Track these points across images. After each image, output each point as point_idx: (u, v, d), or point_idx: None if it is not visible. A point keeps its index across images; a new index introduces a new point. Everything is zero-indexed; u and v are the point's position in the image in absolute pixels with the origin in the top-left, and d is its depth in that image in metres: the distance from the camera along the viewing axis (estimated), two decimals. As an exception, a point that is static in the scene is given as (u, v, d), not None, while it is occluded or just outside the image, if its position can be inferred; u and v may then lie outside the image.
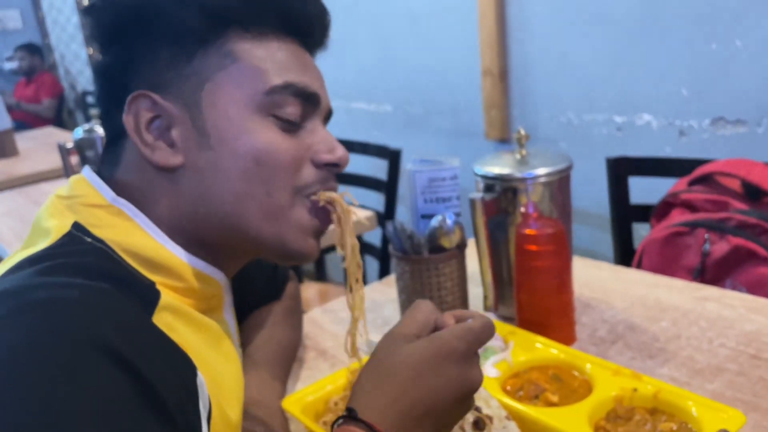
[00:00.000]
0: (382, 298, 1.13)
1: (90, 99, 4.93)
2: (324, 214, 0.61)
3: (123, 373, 0.42)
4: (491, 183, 0.94)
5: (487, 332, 0.54)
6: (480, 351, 0.84)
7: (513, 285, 0.94)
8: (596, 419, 0.70)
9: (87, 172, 0.59)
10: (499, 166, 0.94)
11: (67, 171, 1.92)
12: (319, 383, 0.79)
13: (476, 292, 1.04)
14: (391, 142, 1.97)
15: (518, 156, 0.96)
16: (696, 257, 1.22)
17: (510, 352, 0.83)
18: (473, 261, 1.01)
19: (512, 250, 0.94)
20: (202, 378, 0.51)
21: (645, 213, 1.46)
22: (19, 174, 2.45)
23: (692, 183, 1.33)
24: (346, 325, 0.65)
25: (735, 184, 1.27)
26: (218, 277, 0.60)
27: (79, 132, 1.82)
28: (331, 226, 0.63)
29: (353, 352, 0.66)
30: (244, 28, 0.58)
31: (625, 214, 1.53)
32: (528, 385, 0.78)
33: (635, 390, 0.72)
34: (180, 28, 0.56)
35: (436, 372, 0.50)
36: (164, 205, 0.57)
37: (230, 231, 0.58)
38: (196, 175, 0.56)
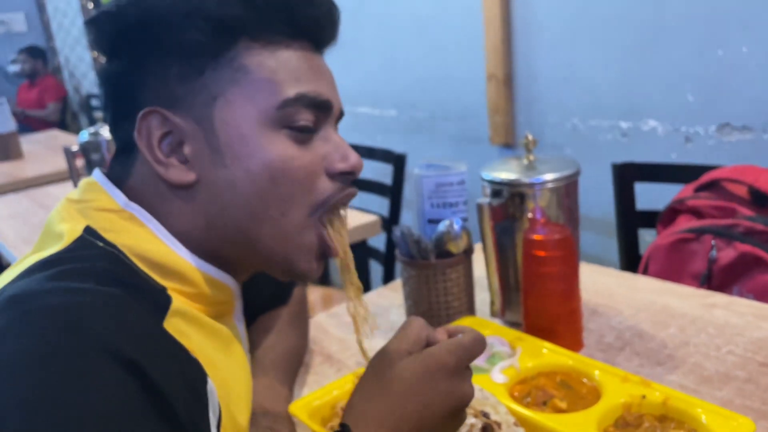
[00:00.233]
0: (388, 303, 1.13)
1: (94, 102, 4.94)
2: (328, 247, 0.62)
3: (133, 379, 0.42)
4: (498, 188, 0.94)
5: (478, 347, 0.55)
6: (487, 357, 0.84)
7: (520, 290, 0.94)
8: (605, 426, 0.70)
9: (98, 175, 0.59)
10: (507, 172, 0.94)
11: (73, 174, 1.93)
12: (326, 388, 0.79)
13: (483, 297, 1.03)
14: (396, 147, 1.97)
15: (525, 161, 0.95)
16: (702, 264, 1.21)
17: (517, 358, 0.83)
18: (480, 266, 1.00)
19: (519, 256, 0.94)
20: (212, 384, 0.51)
21: (651, 219, 1.46)
22: (23, 177, 2.45)
23: (699, 189, 1.32)
24: (351, 329, 0.65)
25: (742, 191, 1.27)
26: (229, 282, 0.60)
27: (85, 135, 1.82)
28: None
29: (364, 356, 0.65)
30: (252, 37, 0.56)
31: (630, 220, 1.52)
32: (536, 391, 0.78)
33: (644, 397, 0.72)
34: (187, 42, 0.55)
35: (427, 387, 0.51)
36: (177, 217, 0.56)
37: (242, 246, 0.58)
38: (211, 192, 0.56)
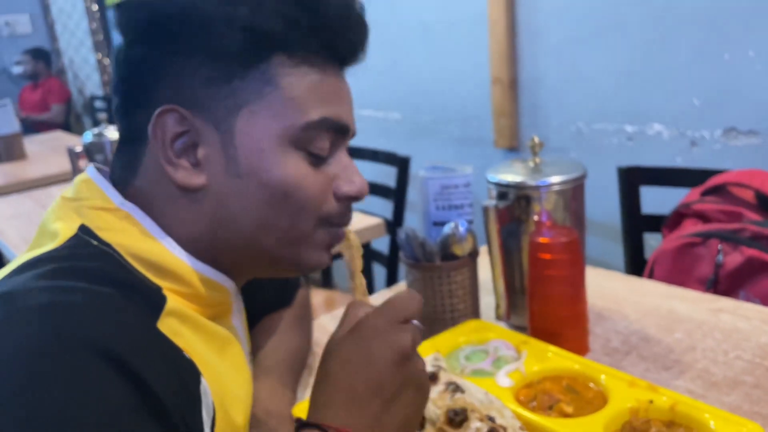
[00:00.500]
0: (392, 305, 1.12)
1: (98, 104, 4.95)
2: (338, 233, 0.62)
3: (124, 378, 0.41)
4: (504, 191, 0.93)
5: (408, 302, 0.54)
6: (492, 360, 0.84)
7: (525, 294, 0.93)
8: (612, 431, 0.69)
9: (92, 172, 0.58)
10: (513, 174, 0.93)
11: (76, 175, 1.93)
12: (330, 391, 0.78)
13: (488, 300, 1.03)
14: (400, 150, 1.96)
15: (531, 164, 0.95)
16: (709, 268, 1.20)
17: (523, 361, 0.82)
18: (485, 269, 1.00)
19: (525, 259, 0.93)
20: (206, 384, 0.51)
21: (656, 223, 1.45)
22: (27, 177, 2.46)
23: (705, 193, 1.32)
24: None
25: (748, 195, 1.26)
26: (226, 283, 0.59)
27: (89, 136, 1.82)
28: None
29: None
30: (288, 55, 0.55)
31: (636, 224, 1.52)
32: (542, 395, 0.77)
33: (651, 402, 0.71)
34: (222, 48, 0.53)
35: (360, 351, 0.51)
36: (180, 219, 0.56)
37: (247, 252, 0.58)
38: (220, 199, 0.55)
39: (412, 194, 2.02)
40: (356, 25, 0.60)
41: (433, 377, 0.74)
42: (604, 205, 1.71)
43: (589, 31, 1.79)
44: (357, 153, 2.07)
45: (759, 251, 1.14)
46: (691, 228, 1.28)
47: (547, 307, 0.89)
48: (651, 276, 1.28)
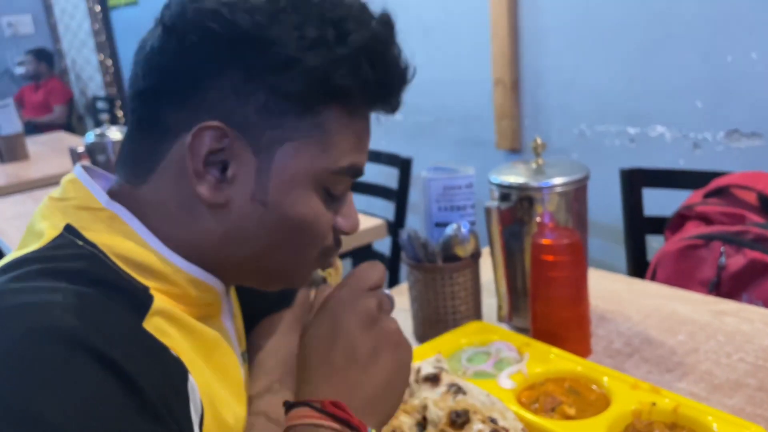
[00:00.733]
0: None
1: (100, 105, 4.96)
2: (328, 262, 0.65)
3: (109, 374, 0.41)
4: (507, 192, 0.93)
5: (370, 271, 0.58)
6: (494, 362, 0.83)
7: (528, 295, 0.93)
8: (615, 433, 0.69)
9: (79, 172, 0.57)
10: (515, 175, 0.93)
11: (78, 175, 1.92)
12: (332, 392, 0.78)
13: (490, 302, 1.02)
14: (401, 151, 1.96)
15: (534, 165, 0.95)
16: (711, 270, 1.20)
17: (525, 363, 0.82)
18: (488, 270, 1.00)
19: (527, 260, 0.93)
20: (194, 382, 0.51)
21: (659, 225, 1.45)
22: (29, 178, 2.46)
23: (707, 195, 1.31)
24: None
25: (751, 197, 1.26)
26: (215, 284, 0.59)
27: (91, 136, 1.82)
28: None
29: None
30: (344, 105, 0.56)
31: (638, 226, 1.51)
32: (544, 397, 0.77)
33: (654, 404, 0.71)
34: (289, 87, 0.52)
35: (330, 323, 0.55)
36: (186, 228, 0.55)
37: (246, 268, 0.59)
38: (237, 220, 0.55)
39: (414, 195, 2.02)
40: (406, 84, 0.60)
41: (435, 379, 0.74)
42: (606, 206, 1.71)
43: (591, 33, 1.79)
44: (359, 154, 2.07)
45: (762, 253, 1.13)
46: (693, 230, 1.27)
47: (550, 308, 0.89)
48: (653, 278, 1.28)
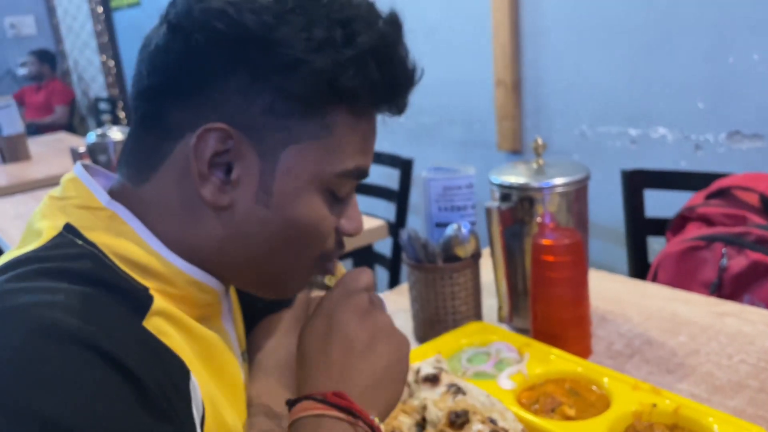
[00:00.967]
0: (394, 307, 1.12)
1: (102, 105, 4.96)
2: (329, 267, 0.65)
3: (113, 371, 0.41)
4: (507, 192, 0.93)
5: (357, 275, 0.60)
6: (494, 363, 0.83)
7: (528, 296, 0.93)
8: (615, 434, 0.69)
9: (79, 171, 0.56)
10: (516, 176, 0.93)
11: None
12: (331, 392, 0.78)
13: (491, 302, 1.02)
14: (402, 152, 1.96)
15: (535, 165, 0.94)
16: (713, 272, 1.20)
17: (525, 364, 0.82)
18: (488, 271, 0.99)
19: (528, 261, 0.93)
20: (195, 381, 0.51)
21: (660, 226, 1.45)
22: (31, 178, 2.46)
23: (709, 197, 1.31)
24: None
25: (753, 199, 1.25)
26: (215, 285, 0.59)
27: (92, 136, 1.82)
28: None
29: None
30: (350, 107, 0.55)
31: (640, 227, 1.51)
32: (544, 398, 0.77)
33: (655, 405, 0.71)
34: (295, 88, 0.52)
35: (324, 321, 0.57)
36: (188, 229, 0.55)
37: (245, 270, 0.58)
38: (240, 222, 0.55)
39: (415, 196, 2.02)
40: (414, 84, 0.60)
41: (435, 379, 0.74)
42: (607, 207, 1.70)
43: (593, 34, 1.79)
44: (360, 155, 2.07)
45: (763, 255, 1.13)
46: (695, 231, 1.27)
47: (550, 309, 0.89)
48: (655, 279, 1.28)
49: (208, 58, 0.52)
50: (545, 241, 0.87)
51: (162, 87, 0.54)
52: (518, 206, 0.92)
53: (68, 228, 0.52)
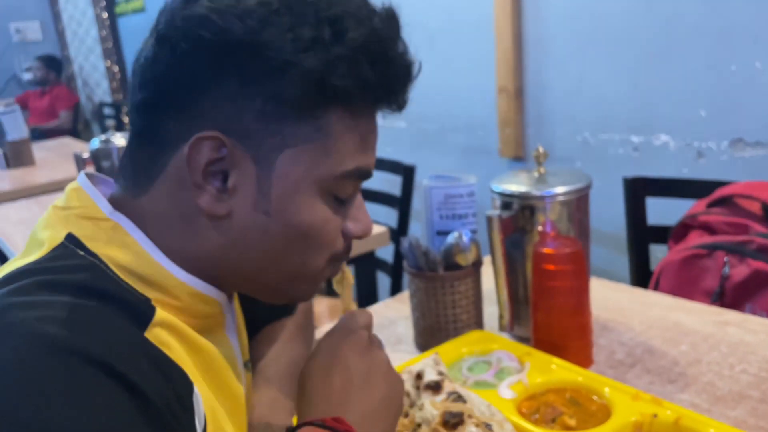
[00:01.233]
0: (395, 315, 1.12)
1: (107, 111, 4.98)
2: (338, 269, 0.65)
3: (116, 384, 0.41)
4: (508, 201, 0.93)
5: (357, 315, 0.62)
6: (495, 372, 0.83)
7: (529, 305, 0.92)
8: (615, 445, 0.69)
9: (83, 181, 0.56)
10: (517, 184, 0.93)
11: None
12: (331, 400, 0.78)
13: (491, 311, 1.02)
14: (405, 159, 1.96)
15: (536, 174, 0.94)
16: (715, 280, 1.19)
17: (526, 373, 0.82)
18: (489, 279, 0.99)
19: (529, 269, 0.93)
20: (198, 394, 0.50)
21: (662, 234, 1.45)
22: (35, 183, 2.47)
23: (711, 205, 1.31)
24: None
25: (755, 207, 1.25)
26: (217, 296, 0.58)
27: (96, 142, 1.83)
28: None
29: None
30: (345, 107, 0.54)
31: (642, 235, 1.51)
32: (544, 407, 0.77)
33: (655, 416, 0.71)
34: (286, 92, 0.51)
35: (326, 355, 0.59)
36: (188, 239, 0.54)
37: (248, 278, 0.58)
38: (240, 230, 0.54)
39: (417, 203, 2.02)
40: (412, 81, 0.59)
41: (437, 386, 0.73)
42: (609, 215, 1.70)
43: (595, 41, 1.79)
44: (362, 161, 2.07)
45: (765, 264, 1.13)
46: (697, 240, 1.27)
47: (551, 318, 0.88)
48: (656, 288, 1.28)
49: (196, 67, 0.52)
50: (546, 250, 0.87)
51: (153, 100, 0.54)
52: (519, 215, 0.92)
53: (70, 238, 0.52)
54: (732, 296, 1.17)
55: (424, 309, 0.95)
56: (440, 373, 0.75)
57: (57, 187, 2.42)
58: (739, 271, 1.16)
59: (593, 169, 1.84)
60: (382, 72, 0.54)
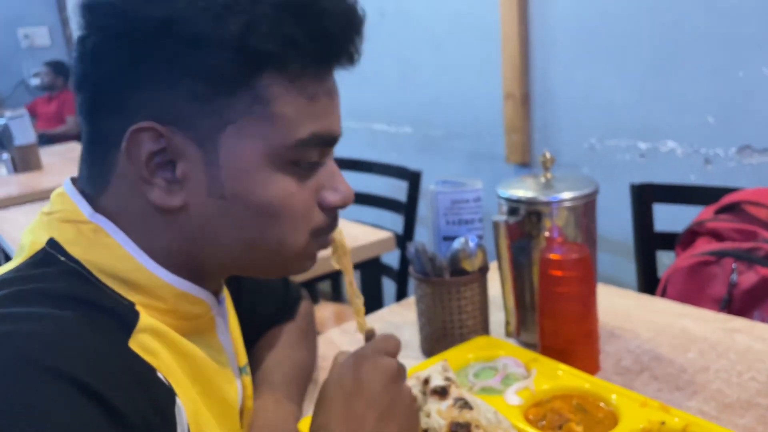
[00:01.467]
0: (401, 320, 1.11)
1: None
2: (326, 241, 0.62)
3: (89, 402, 0.40)
4: (515, 206, 0.92)
5: (387, 340, 0.61)
6: (501, 378, 0.83)
7: (536, 311, 0.92)
8: (623, 452, 0.68)
9: (67, 185, 0.55)
10: (524, 189, 0.93)
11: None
12: (337, 406, 0.77)
13: (498, 317, 1.02)
14: (411, 164, 1.96)
15: (543, 179, 0.94)
16: (723, 287, 1.19)
17: (532, 379, 0.81)
18: (495, 285, 0.99)
19: (536, 275, 0.92)
20: (180, 404, 0.49)
21: (669, 241, 1.44)
22: (42, 188, 2.48)
23: (719, 211, 1.30)
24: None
25: (763, 214, 1.24)
26: (204, 296, 0.57)
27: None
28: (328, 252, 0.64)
29: None
30: (281, 71, 0.50)
31: (649, 241, 1.50)
32: (551, 414, 0.76)
33: (663, 423, 0.70)
34: (209, 66, 0.49)
35: (353, 376, 0.57)
36: (154, 235, 0.53)
37: (233, 264, 0.57)
38: (200, 219, 0.52)
39: (423, 209, 2.02)
40: (357, 32, 0.54)
41: (444, 392, 0.73)
42: (616, 222, 1.70)
43: (602, 47, 1.79)
44: (368, 167, 2.08)
45: (774, 271, 1.12)
46: (704, 246, 1.26)
47: (558, 324, 0.88)
48: (664, 294, 1.27)
49: (113, 59, 0.49)
50: (553, 256, 0.87)
51: (88, 101, 0.52)
52: (526, 220, 0.92)
53: (51, 243, 0.51)
54: (740, 303, 1.16)
55: (430, 315, 0.95)
56: (447, 379, 0.75)
57: (64, 191, 2.42)
58: (748, 278, 1.15)
59: (600, 175, 1.84)
60: (312, 27, 0.50)
